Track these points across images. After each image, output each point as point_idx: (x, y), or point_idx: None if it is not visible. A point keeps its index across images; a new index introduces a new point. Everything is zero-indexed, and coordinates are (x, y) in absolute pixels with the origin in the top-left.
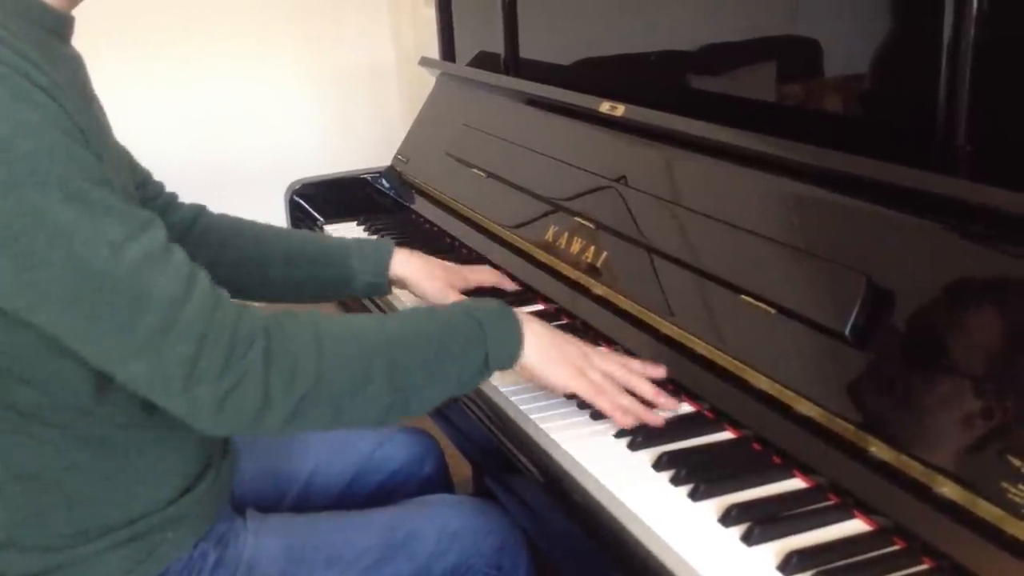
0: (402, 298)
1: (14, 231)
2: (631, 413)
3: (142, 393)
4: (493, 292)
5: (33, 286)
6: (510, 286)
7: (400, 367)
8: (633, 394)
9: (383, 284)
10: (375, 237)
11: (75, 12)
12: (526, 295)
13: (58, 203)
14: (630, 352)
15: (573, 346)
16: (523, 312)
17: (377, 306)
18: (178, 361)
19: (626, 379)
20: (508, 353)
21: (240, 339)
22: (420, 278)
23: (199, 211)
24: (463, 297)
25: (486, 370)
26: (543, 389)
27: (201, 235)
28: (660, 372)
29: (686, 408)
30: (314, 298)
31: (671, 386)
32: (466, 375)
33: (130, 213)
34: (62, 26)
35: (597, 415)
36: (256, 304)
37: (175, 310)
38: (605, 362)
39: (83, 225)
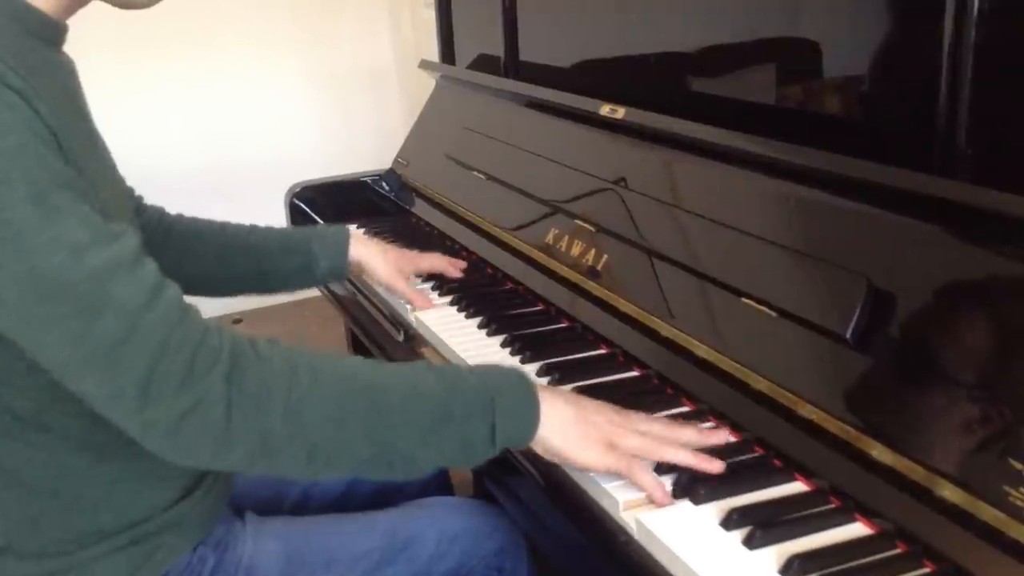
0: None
1: None
2: (686, 466)
3: (98, 410)
4: (443, 278)
5: None
6: (457, 272)
7: (384, 419)
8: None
9: (342, 267)
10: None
11: (75, 17)
12: (519, 296)
13: (19, 203)
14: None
15: (601, 416)
16: (547, 387)
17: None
18: (131, 376)
19: (665, 432)
20: (521, 430)
21: (201, 358)
22: (373, 261)
23: (160, 212)
24: (410, 285)
25: (492, 446)
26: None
27: (164, 236)
28: (720, 437)
29: (687, 410)
30: (279, 288)
31: (712, 418)
32: (468, 446)
33: (96, 222)
34: (53, 33)
35: None
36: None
37: (132, 321)
38: (636, 422)
39: (41, 227)
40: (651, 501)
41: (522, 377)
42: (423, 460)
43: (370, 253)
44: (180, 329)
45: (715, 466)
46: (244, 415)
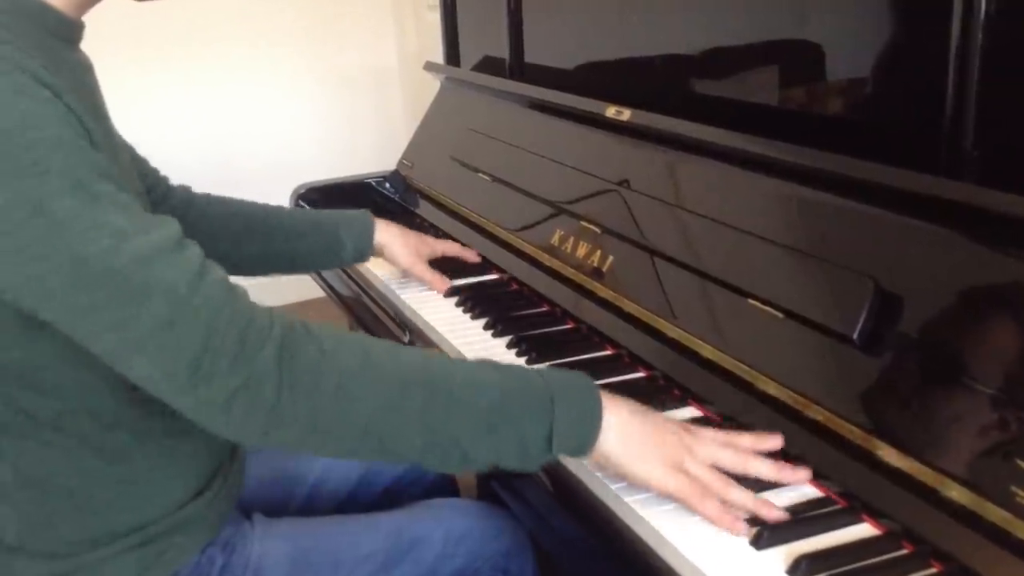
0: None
1: (15, 222)
2: (744, 510)
3: (152, 392)
4: (458, 262)
5: (37, 280)
6: (473, 258)
7: (438, 408)
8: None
9: (367, 251)
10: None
11: (84, 18)
12: (524, 297)
13: (58, 193)
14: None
15: (671, 434)
16: (614, 396)
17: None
18: (182, 357)
19: (739, 465)
20: (581, 436)
21: (252, 336)
22: (394, 245)
23: (189, 192)
24: (425, 268)
25: (549, 450)
26: (635, 486)
27: (195, 216)
28: (776, 442)
29: (692, 413)
30: (304, 269)
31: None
32: (524, 447)
33: (137, 209)
34: (71, 31)
35: None
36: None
37: (180, 304)
38: (710, 449)
39: (83, 216)
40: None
41: (588, 381)
42: (477, 455)
43: (391, 237)
44: (228, 309)
45: (775, 514)
46: (295, 393)
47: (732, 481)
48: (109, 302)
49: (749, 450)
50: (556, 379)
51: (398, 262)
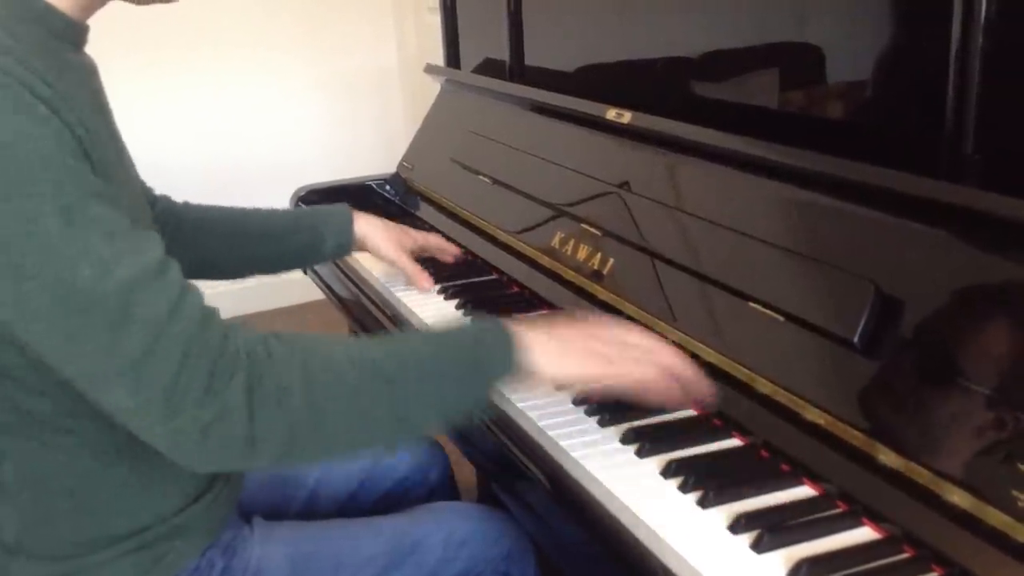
0: (362, 262)
1: (6, 241)
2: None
3: (127, 424)
4: (455, 263)
5: (22, 300)
6: (453, 254)
7: (397, 396)
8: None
9: (348, 244)
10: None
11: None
12: (524, 299)
13: (50, 216)
14: None
15: (575, 331)
16: (522, 322)
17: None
18: (158, 386)
19: (654, 345)
20: (511, 367)
21: (221, 367)
22: (376, 237)
23: (167, 201)
24: (412, 262)
25: (483, 383)
26: (570, 389)
27: (174, 224)
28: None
29: (692, 414)
30: (286, 268)
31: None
32: (470, 398)
33: (125, 232)
34: (75, 34)
35: (605, 422)
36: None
37: (158, 332)
38: (612, 330)
39: (72, 241)
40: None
41: (500, 321)
42: (433, 423)
43: (372, 229)
44: (201, 338)
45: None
46: (267, 418)
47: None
48: (92, 328)
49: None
50: (477, 330)
51: (380, 253)
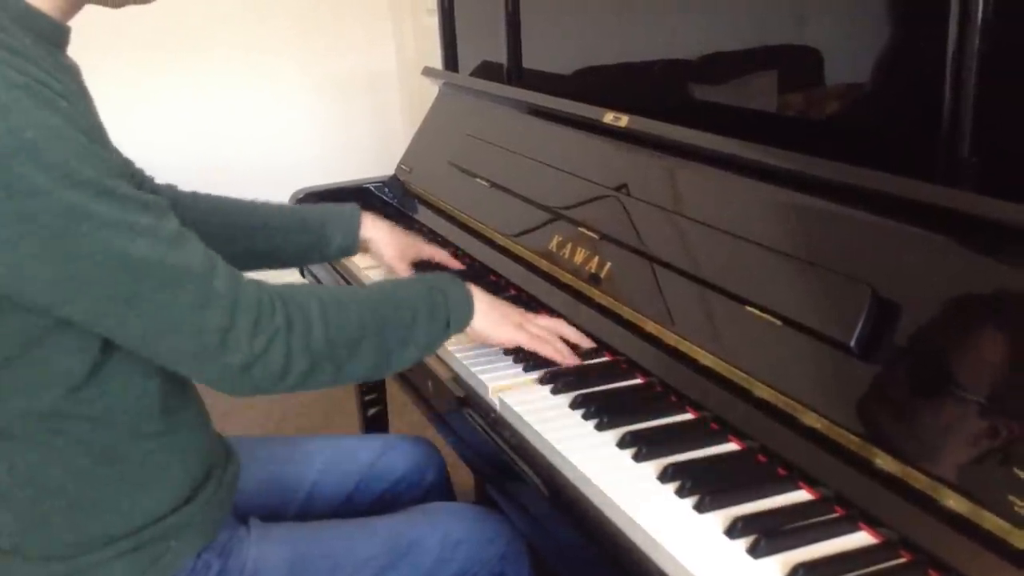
0: (358, 263)
1: (55, 231)
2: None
3: (174, 368)
4: (443, 267)
5: (73, 280)
6: (457, 265)
7: (385, 329)
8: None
9: (354, 246)
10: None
11: (76, 23)
12: (522, 302)
13: (93, 200)
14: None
15: (512, 309)
16: (473, 286)
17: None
18: (213, 332)
19: (557, 328)
20: (463, 317)
21: (264, 309)
22: (380, 242)
23: (174, 191)
24: (406, 269)
25: (445, 333)
26: (491, 346)
27: (183, 212)
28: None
29: (689, 418)
30: (292, 264)
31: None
32: (432, 337)
33: (151, 201)
34: (60, 36)
35: (602, 425)
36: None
37: (206, 287)
38: (540, 319)
39: (119, 218)
40: (557, 364)
41: (456, 279)
42: (408, 355)
43: (379, 233)
44: (242, 288)
45: (571, 360)
46: (299, 349)
47: (561, 329)
48: (151, 291)
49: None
50: (438, 279)
51: (382, 257)
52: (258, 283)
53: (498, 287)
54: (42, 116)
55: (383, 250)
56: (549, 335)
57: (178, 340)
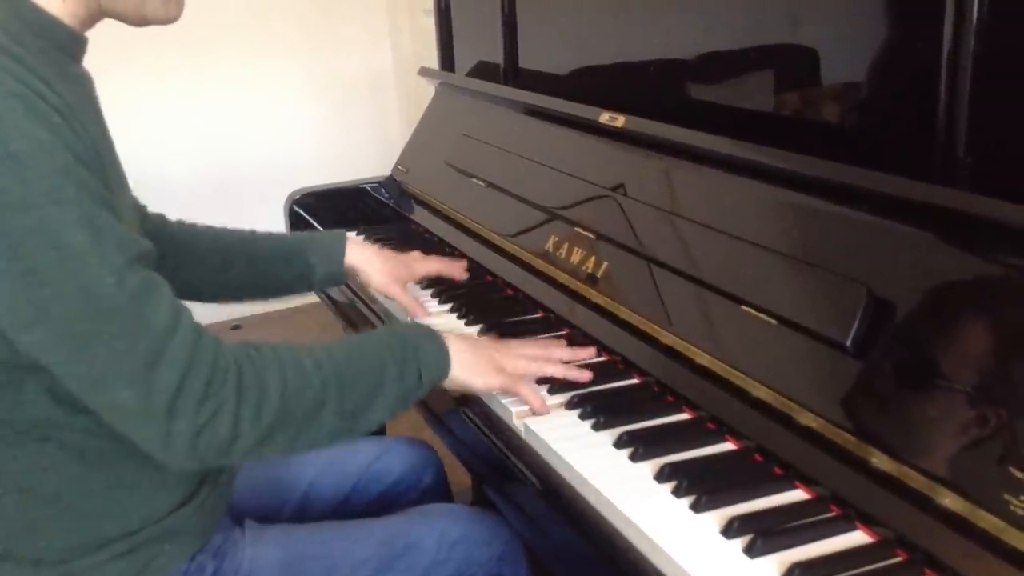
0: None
1: (26, 248)
2: (561, 376)
3: (118, 424)
4: (444, 282)
5: (34, 304)
6: (459, 274)
7: (348, 393)
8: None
9: (340, 274)
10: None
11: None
12: (519, 302)
13: (71, 224)
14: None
15: (489, 349)
16: (448, 335)
17: (363, 301)
18: (163, 392)
19: (544, 353)
20: (438, 371)
21: (217, 374)
22: (368, 268)
23: (162, 220)
24: (404, 292)
25: (420, 388)
26: (471, 392)
27: (165, 244)
28: (587, 352)
29: (686, 418)
30: (276, 295)
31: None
32: (403, 394)
33: (130, 241)
34: (76, 46)
35: (599, 425)
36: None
37: (165, 341)
38: (516, 350)
39: (92, 250)
40: (532, 412)
41: (431, 329)
42: (376, 415)
43: (366, 259)
44: (199, 349)
45: (584, 375)
46: (249, 420)
47: (542, 360)
48: (109, 335)
49: (557, 356)
50: (408, 332)
51: (373, 286)
52: (218, 345)
53: (495, 287)
54: (32, 129)
55: (370, 277)
56: (532, 366)
57: (129, 394)
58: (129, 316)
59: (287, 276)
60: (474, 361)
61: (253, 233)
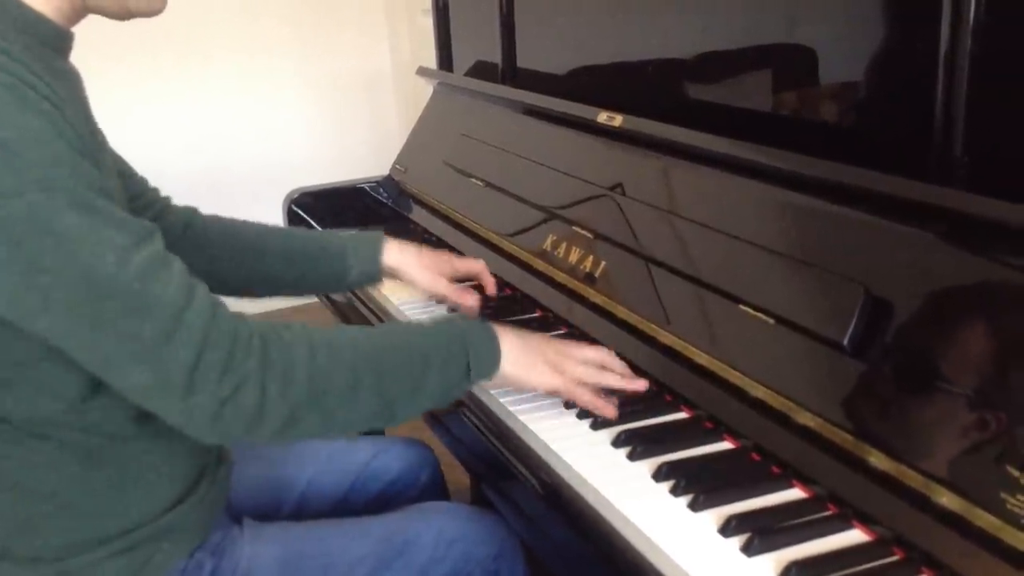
0: (388, 295)
1: (19, 236)
2: (618, 387)
3: (139, 402)
4: (478, 287)
5: (37, 291)
6: (492, 289)
7: (387, 377)
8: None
9: (376, 274)
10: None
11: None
12: (517, 302)
13: (65, 209)
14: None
15: (548, 347)
16: (499, 325)
17: (361, 300)
18: (179, 368)
19: (602, 360)
20: (488, 365)
21: (238, 347)
22: (410, 268)
23: (192, 213)
24: (452, 285)
25: (467, 381)
26: (525, 392)
27: (196, 236)
28: (640, 385)
29: (684, 417)
30: (311, 291)
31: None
32: (449, 386)
33: (131, 222)
34: (62, 41)
35: (597, 425)
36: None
37: (177, 318)
38: (580, 352)
39: (89, 232)
40: (601, 419)
41: (486, 324)
42: (417, 404)
43: (406, 261)
44: (216, 322)
45: (640, 384)
46: (276, 394)
47: (602, 373)
48: (115, 315)
49: (613, 369)
50: (459, 322)
51: (418, 285)
52: (240, 319)
53: (518, 303)
54: (23, 118)
55: (416, 277)
56: (592, 372)
57: (144, 373)
58: (134, 295)
59: (324, 274)
60: (529, 357)
61: (290, 230)
